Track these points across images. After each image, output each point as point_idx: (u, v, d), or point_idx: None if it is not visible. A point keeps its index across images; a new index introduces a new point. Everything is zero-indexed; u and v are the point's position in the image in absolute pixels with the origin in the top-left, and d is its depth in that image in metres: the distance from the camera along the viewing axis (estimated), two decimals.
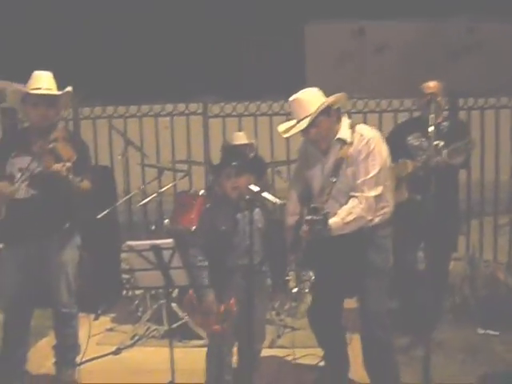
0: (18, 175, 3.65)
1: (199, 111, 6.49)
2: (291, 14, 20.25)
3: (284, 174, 5.76)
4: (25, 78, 3.79)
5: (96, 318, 5.44)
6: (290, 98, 3.50)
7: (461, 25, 24.91)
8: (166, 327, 4.86)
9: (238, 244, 3.49)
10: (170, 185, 4.90)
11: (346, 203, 3.37)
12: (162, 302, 4.86)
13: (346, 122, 3.51)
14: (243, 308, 3.35)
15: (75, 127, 6.42)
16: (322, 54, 23.53)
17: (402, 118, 5.91)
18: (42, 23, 16.77)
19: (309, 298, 5.47)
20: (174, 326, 4.72)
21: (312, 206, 3.15)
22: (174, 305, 4.80)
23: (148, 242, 3.00)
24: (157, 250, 2.98)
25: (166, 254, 3.01)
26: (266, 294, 3.70)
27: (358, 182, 3.37)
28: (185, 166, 5.85)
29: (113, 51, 16.71)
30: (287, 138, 4.50)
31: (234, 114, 6.47)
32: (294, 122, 3.49)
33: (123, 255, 3.10)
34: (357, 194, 3.35)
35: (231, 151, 3.86)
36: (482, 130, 6.26)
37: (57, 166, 3.48)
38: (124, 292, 5.95)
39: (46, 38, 16.23)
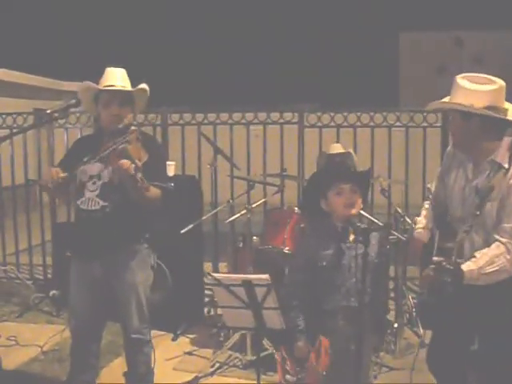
0: (89, 183, 3.32)
1: (294, 120, 6.04)
2: (386, 22, 19.52)
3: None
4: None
5: (174, 339, 5.10)
6: (459, 76, 2.83)
7: None
8: (249, 357, 4.43)
9: (342, 282, 2.91)
10: (262, 200, 4.47)
11: (483, 243, 2.73)
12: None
13: (506, 142, 2.81)
14: (343, 355, 2.83)
15: (163, 133, 6.14)
16: (416, 64, 22.76)
17: None
18: (135, 30, 16.86)
19: (407, 333, 4.92)
20: (260, 356, 4.30)
21: (447, 245, 2.54)
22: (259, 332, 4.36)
23: (239, 276, 2.55)
24: (249, 286, 2.52)
25: (260, 291, 2.55)
26: (369, 336, 3.13)
27: (507, 225, 2.68)
28: (277, 180, 5.39)
29: (204, 56, 16.55)
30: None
31: (332, 124, 5.97)
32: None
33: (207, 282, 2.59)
34: (503, 240, 2.66)
35: (341, 161, 3.25)
36: None
37: (124, 163, 3.04)
38: (206, 312, 5.60)
39: (140, 44, 16.33)
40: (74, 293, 3.50)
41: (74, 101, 3.02)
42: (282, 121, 6.04)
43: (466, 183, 2.89)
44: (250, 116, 6.09)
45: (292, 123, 6.04)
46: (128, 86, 3.35)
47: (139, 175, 2.99)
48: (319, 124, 6.01)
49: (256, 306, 2.57)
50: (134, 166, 2.99)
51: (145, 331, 3.55)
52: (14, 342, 5.02)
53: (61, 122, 6.11)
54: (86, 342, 3.55)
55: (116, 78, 3.32)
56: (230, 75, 16.07)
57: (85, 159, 3.28)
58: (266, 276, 2.54)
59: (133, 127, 3.34)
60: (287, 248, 4.46)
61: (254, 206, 4.32)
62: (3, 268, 6.94)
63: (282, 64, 17.00)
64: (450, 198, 2.99)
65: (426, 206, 3.27)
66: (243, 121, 6.11)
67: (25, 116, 6.67)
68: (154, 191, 3.24)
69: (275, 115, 6.05)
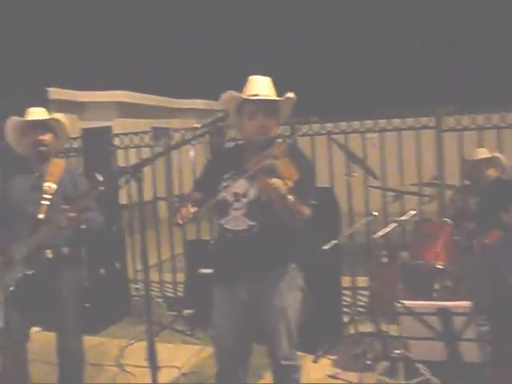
0: (233, 201, 3.07)
1: (431, 125, 5.63)
2: None
3: None
4: None
5: (315, 361, 4.82)
6: None
7: None
8: (401, 382, 4.06)
9: None
10: (413, 213, 4.12)
11: None
12: (398, 352, 4.07)
13: None
14: None
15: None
16: None
17: None
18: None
19: None
20: (413, 382, 3.95)
21: None
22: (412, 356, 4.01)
23: (434, 303, 2.24)
24: (445, 315, 2.20)
25: (458, 320, 2.22)
26: None
27: None
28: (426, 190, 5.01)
29: (329, 61, 16.12)
30: None
31: (473, 126, 5.51)
32: None
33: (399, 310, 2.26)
34: None
35: None
36: None
37: (276, 182, 2.76)
38: (346, 332, 5.29)
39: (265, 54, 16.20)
40: (218, 317, 3.27)
41: (221, 114, 2.84)
42: (418, 125, 5.66)
43: None
44: (382, 123, 5.75)
45: (429, 128, 5.65)
46: (273, 95, 3.10)
47: (290, 197, 2.75)
48: (459, 127, 5.57)
49: (452, 336, 2.24)
50: (286, 186, 2.74)
51: (295, 357, 3.28)
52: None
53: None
54: (233, 367, 3.33)
55: (261, 86, 3.08)
56: (357, 81, 15.54)
57: (226, 175, 3.10)
58: (466, 303, 2.21)
59: (279, 140, 3.11)
60: (441, 263, 4.08)
61: (404, 218, 3.97)
62: (135, 286, 6.99)
63: (411, 67, 16.24)
64: None
65: None
66: (376, 128, 5.79)
67: (149, 135, 6.82)
68: (305, 211, 2.98)
69: (410, 120, 5.68)
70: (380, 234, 3.92)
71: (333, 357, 4.84)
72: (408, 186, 5.01)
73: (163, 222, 7.23)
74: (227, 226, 3.08)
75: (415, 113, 5.69)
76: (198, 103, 16.22)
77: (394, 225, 3.93)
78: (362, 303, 5.73)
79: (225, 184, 3.07)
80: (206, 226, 6.61)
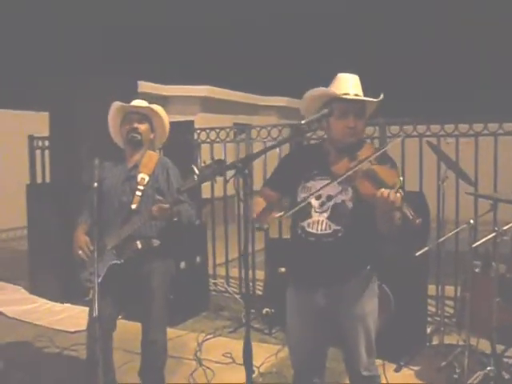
0: (316, 204, 2.94)
1: None
2: None
3: None
4: None
5: (397, 370, 4.66)
6: None
7: None
8: None
9: None
10: None
11: None
12: (489, 368, 3.87)
13: None
14: None
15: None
16: None
17: None
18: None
19: None
20: None
21: None
22: (506, 375, 3.81)
23: None
24: None
25: None
26: None
27: None
28: None
29: (423, 59, 15.62)
30: None
31: None
32: None
33: None
34: None
35: None
36: None
37: (389, 193, 2.57)
38: (428, 343, 5.10)
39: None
40: (293, 322, 3.14)
41: (326, 110, 2.74)
42: None
43: None
44: (478, 127, 5.50)
45: None
46: (361, 95, 2.96)
47: (406, 208, 2.57)
48: None
49: None
50: (399, 196, 2.57)
51: (374, 367, 3.17)
52: (230, 360, 4.92)
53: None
54: (309, 373, 3.22)
55: (351, 85, 2.94)
56: (451, 81, 15.00)
57: (307, 175, 2.97)
58: None
59: (368, 142, 3.00)
60: None
61: (506, 228, 3.76)
62: (213, 281, 7.02)
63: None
64: None
65: None
66: (471, 132, 5.54)
67: (227, 130, 6.89)
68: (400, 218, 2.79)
69: (508, 125, 5.40)
70: (479, 243, 3.72)
71: (415, 367, 4.67)
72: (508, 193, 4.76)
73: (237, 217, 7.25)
74: (310, 230, 2.94)
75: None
76: (280, 100, 16.21)
77: (493, 234, 3.71)
78: (447, 313, 5.51)
79: (306, 184, 2.97)
80: (287, 225, 6.59)
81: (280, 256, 5.83)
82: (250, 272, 6.72)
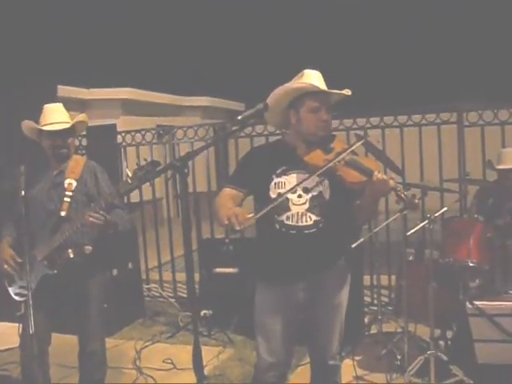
0: (293, 197, 2.92)
1: (453, 120, 5.52)
2: None
3: None
4: None
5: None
6: None
7: None
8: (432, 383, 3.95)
9: None
10: (444, 209, 4.00)
11: None
12: (429, 352, 3.95)
13: None
14: None
15: None
16: None
17: None
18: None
19: None
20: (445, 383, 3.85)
21: None
22: (444, 356, 3.91)
23: (507, 303, 2.11)
24: None
25: None
26: None
27: None
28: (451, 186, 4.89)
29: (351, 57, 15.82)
30: None
31: (496, 122, 5.39)
32: None
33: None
34: None
35: None
36: None
37: (389, 177, 2.70)
38: (366, 332, 5.18)
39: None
40: (267, 321, 3.07)
41: (262, 104, 2.69)
42: (438, 121, 5.55)
43: None
44: (402, 119, 5.64)
45: (450, 123, 5.55)
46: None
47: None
48: (481, 122, 5.46)
49: None
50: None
51: (338, 357, 3.20)
52: (170, 366, 4.81)
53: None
54: (277, 371, 3.13)
55: (319, 80, 2.97)
56: (374, 76, 15.31)
57: (278, 171, 2.97)
58: None
59: (334, 133, 3.05)
60: (474, 261, 3.97)
61: (436, 215, 3.84)
62: (147, 286, 6.87)
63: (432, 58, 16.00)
64: None
65: None
66: (395, 123, 5.67)
67: (153, 132, 6.86)
68: None
69: (431, 116, 5.57)
70: (412, 231, 3.79)
71: (356, 357, 4.70)
72: (434, 182, 4.91)
73: (174, 219, 7.15)
74: (290, 223, 2.93)
75: (437, 109, 5.59)
76: (204, 100, 16.09)
77: (425, 222, 3.79)
78: (383, 302, 5.61)
79: (279, 180, 2.96)
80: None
81: (214, 256, 5.78)
82: (184, 275, 6.61)
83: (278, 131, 5.50)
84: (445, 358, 3.89)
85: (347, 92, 2.98)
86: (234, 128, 2.52)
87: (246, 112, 2.57)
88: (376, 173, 2.68)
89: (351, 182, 2.76)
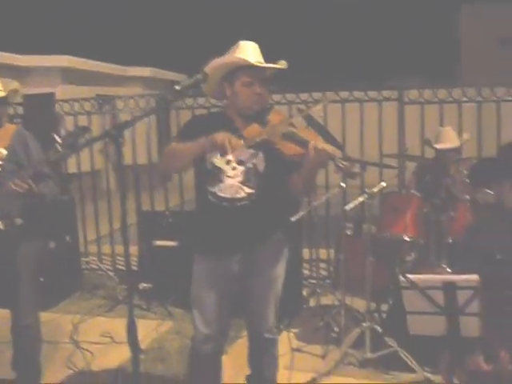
0: (227, 169, 2.90)
1: (394, 97, 5.60)
2: None
3: None
4: None
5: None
6: None
7: None
8: (368, 355, 4.04)
9: None
10: (383, 184, 4.05)
11: None
12: (365, 324, 4.04)
13: None
14: None
15: None
16: (478, 37, 21.94)
17: None
18: None
19: None
20: (379, 354, 3.95)
21: None
22: (379, 328, 4.01)
23: (440, 277, 2.15)
24: (451, 288, 2.12)
25: (463, 294, 2.15)
26: None
27: None
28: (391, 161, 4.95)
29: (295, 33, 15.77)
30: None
31: (436, 100, 5.50)
32: None
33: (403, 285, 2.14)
34: None
35: None
36: None
37: (327, 147, 2.66)
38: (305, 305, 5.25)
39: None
40: (203, 292, 3.06)
41: (200, 75, 2.64)
42: (380, 98, 5.61)
43: None
44: (344, 94, 5.67)
45: (391, 100, 5.62)
46: (263, 62, 2.93)
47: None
48: (421, 100, 5.55)
49: (455, 311, 2.17)
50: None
51: (275, 330, 3.23)
52: (109, 339, 4.76)
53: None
54: (215, 343, 3.12)
55: (254, 52, 2.92)
56: (320, 52, 15.35)
57: None
58: (475, 277, 2.13)
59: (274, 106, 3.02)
60: (410, 235, 4.06)
61: (375, 190, 3.90)
62: (85, 259, 6.74)
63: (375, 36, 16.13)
64: None
65: None
66: (337, 98, 5.70)
67: (92, 102, 6.66)
68: None
69: (373, 93, 5.63)
70: (351, 205, 3.84)
71: (294, 330, 4.78)
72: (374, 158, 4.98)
73: (114, 191, 7.02)
74: (222, 194, 2.91)
75: (378, 86, 5.66)
76: (145, 71, 15.78)
77: (363, 198, 3.84)
78: (323, 275, 5.70)
79: (215, 153, 2.89)
80: (159, 198, 6.47)
81: (153, 229, 5.72)
82: (123, 247, 6.51)
83: (220, 103, 5.46)
84: (380, 329, 3.99)
85: (282, 64, 2.93)
86: (172, 97, 2.45)
87: (184, 82, 2.52)
88: (313, 142, 2.67)
89: (289, 154, 2.75)
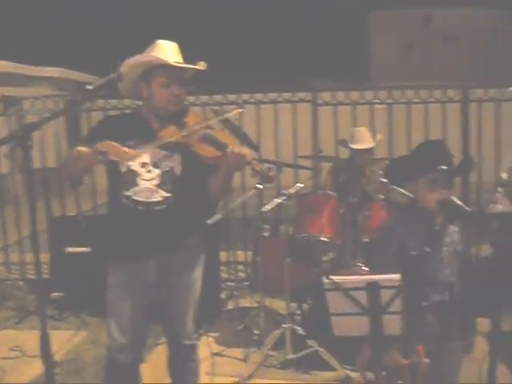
0: (142, 171, 2.81)
1: (308, 99, 5.66)
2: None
3: None
4: None
5: (197, 339, 4.65)
6: None
7: None
8: (289, 355, 4.05)
9: (435, 274, 2.64)
10: (300, 185, 4.06)
11: None
12: (285, 326, 4.04)
13: None
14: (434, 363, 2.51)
15: None
16: (387, 42, 22.77)
17: None
18: None
19: None
20: (300, 355, 3.97)
21: None
22: (299, 329, 4.02)
23: (364, 277, 2.15)
24: (374, 289, 2.12)
25: (386, 294, 2.16)
26: (459, 344, 2.79)
27: None
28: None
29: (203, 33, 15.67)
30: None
31: (348, 101, 5.61)
32: None
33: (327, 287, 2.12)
34: None
35: (436, 150, 2.85)
36: None
37: (244, 151, 2.66)
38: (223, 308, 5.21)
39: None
40: (120, 299, 2.94)
41: (114, 75, 2.53)
42: (294, 99, 5.66)
43: None
44: (259, 96, 5.69)
45: (305, 101, 5.68)
46: (182, 62, 2.87)
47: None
48: (334, 102, 5.65)
49: (378, 310, 2.17)
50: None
51: (194, 335, 3.17)
52: (19, 353, 4.52)
53: None
54: (131, 351, 3.00)
55: (172, 52, 2.85)
56: (234, 55, 15.32)
57: (130, 143, 2.79)
58: (397, 276, 2.15)
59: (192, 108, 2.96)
60: (327, 235, 4.10)
61: (292, 191, 3.91)
62: None
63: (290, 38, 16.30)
64: None
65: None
66: (252, 100, 5.70)
67: None
68: None
69: (287, 94, 5.69)
70: (268, 207, 3.82)
71: (214, 334, 4.72)
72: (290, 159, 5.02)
73: (22, 197, 6.71)
74: (138, 198, 2.81)
75: (292, 87, 5.71)
76: (53, 71, 15.23)
77: (281, 199, 3.84)
78: (241, 278, 5.67)
79: None
80: (71, 202, 6.24)
81: (66, 235, 5.50)
82: (33, 255, 6.24)
83: (133, 105, 5.32)
84: (300, 330, 4.01)
85: (201, 66, 2.89)
86: (84, 98, 2.34)
87: (97, 81, 2.41)
88: (231, 147, 2.65)
89: (206, 157, 2.71)
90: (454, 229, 2.77)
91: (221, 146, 2.69)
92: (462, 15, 23.12)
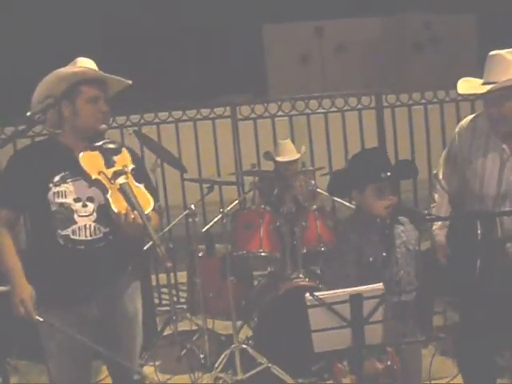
0: (78, 207, 2.62)
1: (227, 114, 5.64)
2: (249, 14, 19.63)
3: None
4: None
5: (138, 372, 4.45)
6: (492, 53, 2.76)
7: (417, 19, 25.26)
8: (240, 376, 3.96)
9: (391, 276, 2.70)
10: (236, 202, 3.99)
11: None
12: (234, 346, 3.95)
13: None
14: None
15: None
16: (281, 54, 23.39)
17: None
18: None
19: None
20: (251, 373, 3.90)
21: None
22: (249, 349, 3.95)
23: (347, 290, 2.10)
24: (358, 300, 2.09)
25: (368, 305, 2.14)
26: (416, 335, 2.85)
27: None
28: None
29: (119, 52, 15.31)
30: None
31: (267, 115, 5.64)
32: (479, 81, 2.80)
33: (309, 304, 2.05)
34: None
35: (376, 158, 2.86)
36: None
37: (150, 231, 2.43)
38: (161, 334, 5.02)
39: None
40: (54, 347, 2.73)
41: (52, 99, 2.38)
42: (213, 115, 5.62)
43: (502, 162, 2.85)
44: (177, 114, 5.59)
45: (224, 117, 5.66)
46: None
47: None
48: (253, 115, 5.66)
49: (360, 322, 2.14)
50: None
51: (139, 369, 3.04)
52: None
53: None
54: None
55: (95, 69, 2.70)
56: (147, 74, 15.07)
57: (57, 178, 2.62)
58: (379, 285, 2.13)
59: (125, 147, 2.78)
60: (266, 250, 4.08)
61: (230, 207, 3.85)
62: None
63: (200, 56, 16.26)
64: (480, 177, 2.90)
65: (437, 198, 3.13)
66: (170, 119, 5.60)
67: None
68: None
69: (206, 111, 5.64)
70: (207, 227, 3.74)
71: (156, 362, 4.53)
72: (226, 176, 4.95)
73: None
74: (77, 237, 2.62)
75: (211, 104, 5.69)
76: None
77: (218, 217, 3.77)
78: (176, 301, 5.51)
79: (58, 189, 2.62)
80: None
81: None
82: None
83: (44, 131, 5.04)
84: (249, 349, 3.94)
85: (128, 81, 2.80)
86: (27, 126, 2.18)
87: (35, 108, 2.25)
88: (123, 214, 2.45)
89: (114, 209, 2.49)
90: (400, 229, 2.83)
91: (131, 204, 2.48)
92: (349, 25, 24.16)
